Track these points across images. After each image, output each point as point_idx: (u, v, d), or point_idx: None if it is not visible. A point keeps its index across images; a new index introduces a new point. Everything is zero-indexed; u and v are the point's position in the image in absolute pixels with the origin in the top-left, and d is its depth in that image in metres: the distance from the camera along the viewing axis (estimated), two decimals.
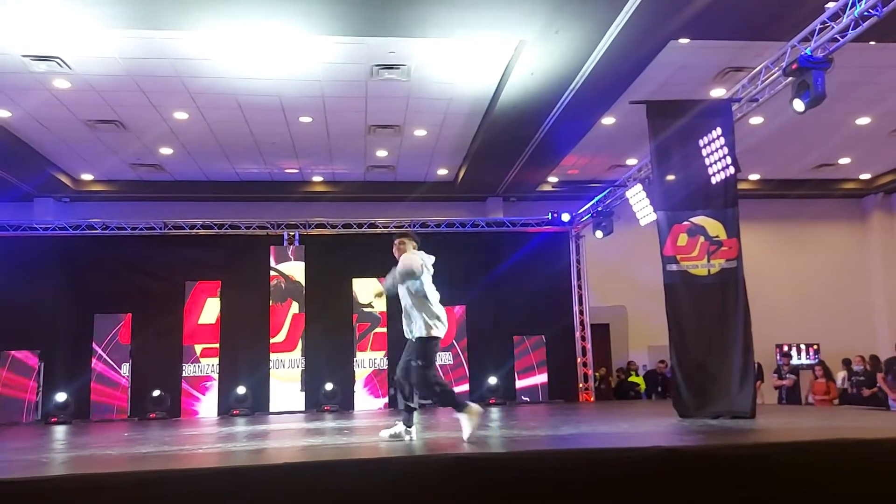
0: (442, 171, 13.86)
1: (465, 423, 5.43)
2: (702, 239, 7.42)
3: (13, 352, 12.05)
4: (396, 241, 5.93)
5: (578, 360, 13.60)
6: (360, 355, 12.87)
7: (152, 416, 11.84)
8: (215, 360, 12.43)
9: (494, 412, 10.00)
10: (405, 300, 5.82)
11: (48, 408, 11.87)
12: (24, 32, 8.13)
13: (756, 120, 11.10)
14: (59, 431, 9.23)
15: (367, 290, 13.11)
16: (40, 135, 11.27)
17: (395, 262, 5.86)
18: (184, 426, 9.45)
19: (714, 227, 7.45)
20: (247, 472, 4.06)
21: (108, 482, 3.71)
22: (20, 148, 11.50)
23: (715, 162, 7.56)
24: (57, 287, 12.76)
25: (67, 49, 8.58)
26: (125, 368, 12.25)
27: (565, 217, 13.65)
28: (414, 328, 5.75)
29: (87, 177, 13.43)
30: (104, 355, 12.27)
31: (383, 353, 12.92)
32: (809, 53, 6.89)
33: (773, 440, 4.99)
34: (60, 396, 11.80)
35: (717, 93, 10.12)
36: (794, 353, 14.57)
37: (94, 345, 12.25)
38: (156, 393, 12.10)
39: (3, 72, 9.07)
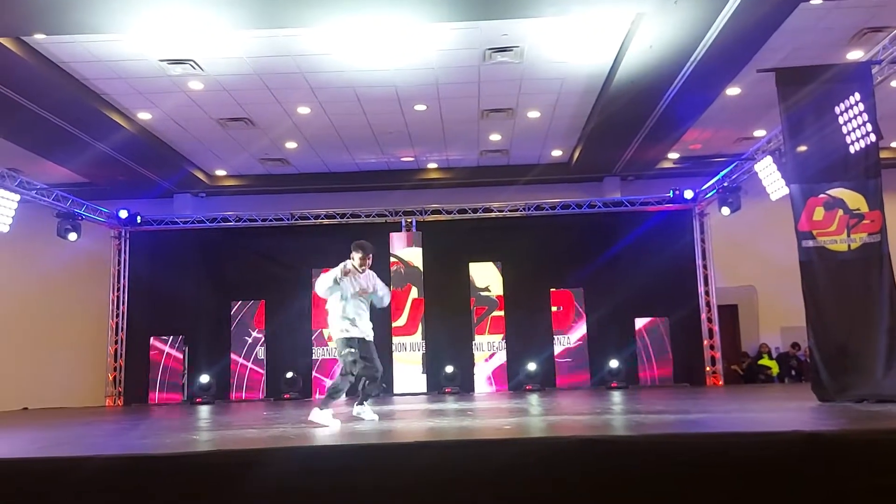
0: (556, 153, 13.69)
1: (316, 415, 6.02)
2: (841, 212, 6.96)
3: (162, 337, 13.06)
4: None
5: (705, 342, 13.14)
6: (478, 338, 13.02)
7: (286, 396, 12.52)
8: None
9: (617, 396, 9.86)
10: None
11: (193, 389, 12.80)
12: (161, 38, 8.73)
13: None
14: (204, 411, 9.93)
15: (483, 274, 13.23)
16: (178, 134, 12.06)
17: None
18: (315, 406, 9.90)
19: (854, 200, 6.97)
20: (377, 449, 4.22)
21: (252, 458, 3.97)
22: (161, 148, 12.37)
23: (853, 129, 7.06)
24: (198, 276, 13.71)
25: (200, 52, 9.13)
26: (261, 352, 13.00)
27: (688, 194, 13.17)
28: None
29: (220, 172, 14.27)
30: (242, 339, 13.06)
31: (501, 336, 13.01)
32: None
33: None
34: (204, 378, 12.69)
35: (854, 55, 9.41)
36: None
37: (232, 330, 13.07)
38: (289, 375, 12.77)
39: (143, 77, 9.77)
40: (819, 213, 7.08)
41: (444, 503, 3.60)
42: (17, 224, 11.11)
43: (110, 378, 13.36)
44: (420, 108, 11.20)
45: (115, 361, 13.42)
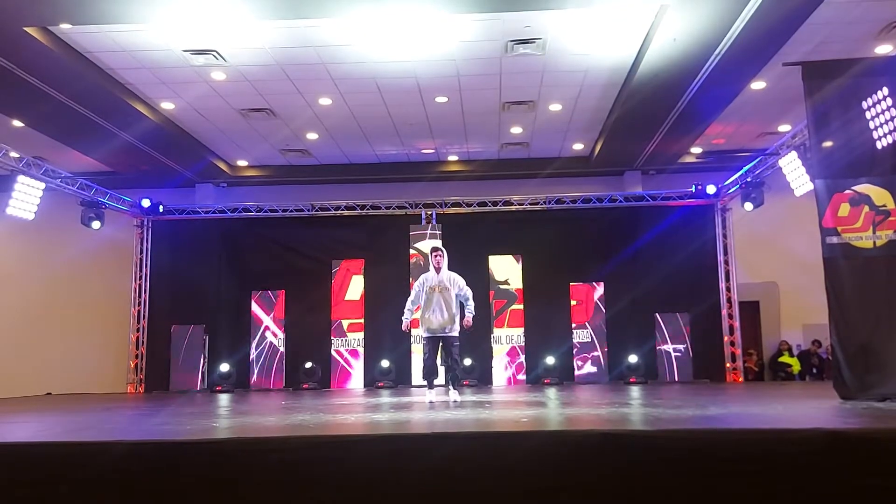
0: (577, 146, 13.61)
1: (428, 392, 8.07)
2: (866, 208, 6.86)
3: (183, 325, 13.19)
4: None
5: (725, 338, 13.03)
6: (497, 332, 13.01)
7: (305, 386, 12.60)
8: (360, 335, 13.01)
9: (635, 391, 9.81)
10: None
11: (213, 377, 12.92)
12: (184, 29, 8.79)
13: None
14: (224, 399, 10.02)
15: (503, 267, 13.20)
16: (200, 124, 12.15)
17: None
18: (334, 396, 9.97)
19: (880, 196, 6.86)
20: (394, 440, 4.24)
21: (272, 445, 4.00)
22: (183, 138, 12.46)
23: (881, 125, 6.95)
24: (219, 266, 13.82)
25: (223, 42, 9.17)
26: (280, 342, 13.09)
27: (711, 189, 13.03)
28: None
29: (242, 163, 14.35)
30: (262, 329, 13.16)
31: (521, 329, 12.98)
32: None
33: None
34: (224, 367, 12.81)
35: (883, 49, 9.25)
36: None
37: (252, 319, 13.18)
38: (308, 365, 12.85)
39: (167, 66, 9.84)
40: (844, 210, 6.98)
41: (461, 494, 3.61)
42: (41, 212, 11.26)
43: (132, 365, 13.52)
44: (441, 99, 11.18)
45: (137, 349, 13.58)
